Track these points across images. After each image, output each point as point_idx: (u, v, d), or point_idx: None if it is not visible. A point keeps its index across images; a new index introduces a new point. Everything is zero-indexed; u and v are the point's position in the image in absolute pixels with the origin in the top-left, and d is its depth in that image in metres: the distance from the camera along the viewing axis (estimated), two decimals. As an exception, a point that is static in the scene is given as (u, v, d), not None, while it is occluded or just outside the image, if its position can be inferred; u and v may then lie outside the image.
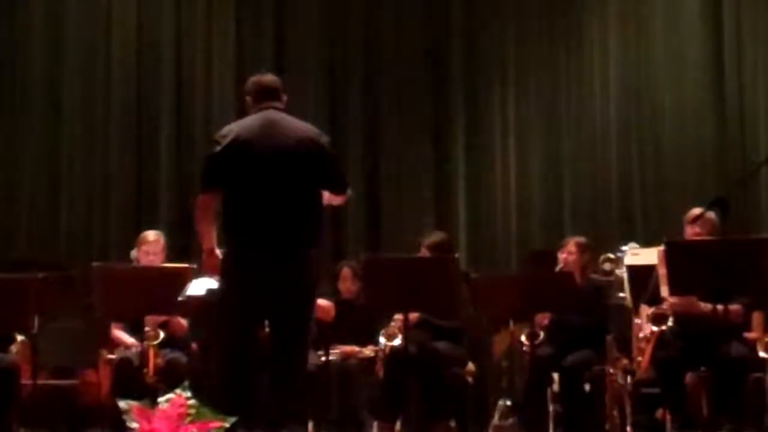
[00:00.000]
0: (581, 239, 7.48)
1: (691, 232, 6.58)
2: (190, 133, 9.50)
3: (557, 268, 7.35)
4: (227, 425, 4.17)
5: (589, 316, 7.06)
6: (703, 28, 9.39)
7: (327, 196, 5.54)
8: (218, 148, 5.37)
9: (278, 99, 5.53)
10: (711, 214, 6.22)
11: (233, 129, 5.43)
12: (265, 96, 5.50)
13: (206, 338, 7.29)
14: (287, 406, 5.25)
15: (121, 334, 7.24)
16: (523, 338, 7.28)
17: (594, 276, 7.54)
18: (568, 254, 7.33)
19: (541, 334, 7.15)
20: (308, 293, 5.39)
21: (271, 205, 5.27)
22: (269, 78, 5.64)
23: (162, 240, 7.39)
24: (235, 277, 5.32)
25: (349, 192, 5.68)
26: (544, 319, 7.11)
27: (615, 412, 7.11)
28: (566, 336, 7.11)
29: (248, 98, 5.56)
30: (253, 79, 5.62)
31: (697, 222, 6.43)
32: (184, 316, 7.04)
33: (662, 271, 6.30)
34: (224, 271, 5.38)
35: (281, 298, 5.25)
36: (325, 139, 5.45)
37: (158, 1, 9.61)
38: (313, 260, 5.35)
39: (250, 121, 5.46)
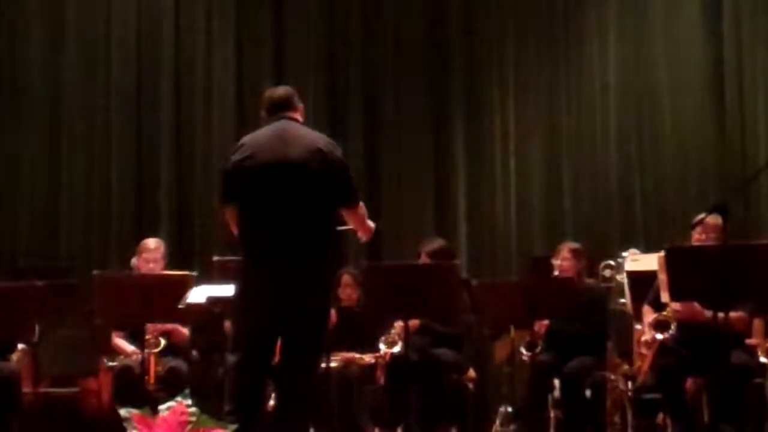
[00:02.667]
0: (575, 245, 7.48)
1: (696, 237, 6.58)
2: (191, 141, 9.50)
3: (553, 275, 7.35)
4: (228, 433, 4.17)
5: (587, 321, 7.05)
6: (703, 33, 9.38)
7: (355, 227, 5.61)
8: (230, 162, 5.39)
9: (292, 109, 5.51)
10: (717, 219, 6.19)
11: (245, 142, 5.43)
12: (277, 108, 5.48)
13: (207, 346, 7.30)
14: (291, 418, 5.24)
15: (121, 342, 7.24)
16: (522, 350, 7.28)
17: (589, 281, 7.53)
18: (562, 260, 7.34)
19: (540, 345, 7.16)
20: (319, 306, 5.33)
21: (280, 217, 5.24)
22: (281, 90, 5.63)
23: (162, 247, 7.40)
24: (248, 288, 5.33)
25: (371, 225, 5.67)
26: (542, 326, 7.10)
27: (616, 418, 7.11)
28: (566, 342, 7.11)
29: (262, 112, 5.56)
30: (266, 93, 5.63)
31: (699, 227, 6.43)
32: (184, 323, 7.04)
33: (662, 277, 6.29)
34: (238, 282, 5.40)
35: (292, 309, 5.23)
36: (336, 150, 5.39)
37: (158, 3, 9.63)
38: (326, 272, 5.34)
39: (261, 132, 5.44)
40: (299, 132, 5.39)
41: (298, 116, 5.51)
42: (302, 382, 5.28)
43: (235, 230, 5.41)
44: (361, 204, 5.56)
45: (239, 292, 5.37)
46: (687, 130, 9.36)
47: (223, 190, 5.48)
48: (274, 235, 5.24)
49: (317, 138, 5.40)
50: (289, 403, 5.28)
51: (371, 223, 5.68)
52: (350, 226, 5.70)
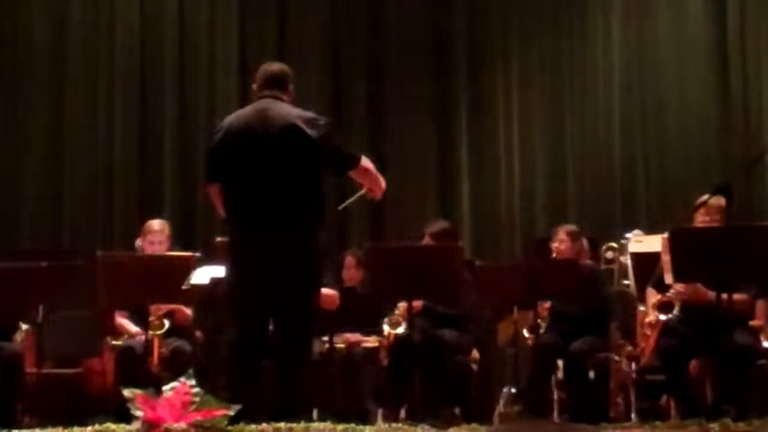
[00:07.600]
0: (571, 227, 7.47)
1: (700, 219, 6.57)
2: (194, 122, 9.50)
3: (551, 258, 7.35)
4: (232, 413, 4.18)
5: (587, 302, 7.04)
6: (707, 16, 9.37)
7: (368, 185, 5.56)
8: (214, 140, 5.45)
9: (282, 88, 5.51)
10: (720, 201, 6.18)
11: (228, 120, 5.48)
12: (269, 84, 5.50)
13: (211, 326, 7.29)
14: (289, 395, 5.23)
15: (125, 322, 7.24)
16: (525, 333, 7.29)
17: (587, 262, 7.51)
18: (560, 243, 7.32)
19: (543, 327, 7.16)
20: (304, 282, 5.33)
21: (261, 194, 5.27)
22: (276, 66, 5.64)
23: (167, 229, 7.39)
24: (236, 267, 5.35)
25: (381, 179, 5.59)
26: (545, 308, 7.09)
27: (619, 399, 7.12)
28: (569, 323, 7.11)
29: (254, 86, 5.57)
30: (262, 66, 5.64)
31: (702, 209, 6.42)
32: (188, 304, 7.05)
33: (666, 259, 6.28)
34: (228, 261, 5.42)
35: (279, 286, 5.25)
36: (317, 121, 5.35)
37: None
38: (313, 246, 5.33)
39: (245, 111, 5.50)
40: (279, 110, 5.39)
41: (286, 97, 5.51)
42: (296, 357, 5.28)
43: (219, 209, 5.47)
44: (364, 158, 5.48)
45: (231, 271, 5.41)
46: (691, 111, 9.36)
47: (206, 168, 5.54)
48: (257, 211, 5.27)
49: (297, 114, 5.37)
50: (285, 380, 5.27)
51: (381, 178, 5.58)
52: (355, 196, 5.70)
